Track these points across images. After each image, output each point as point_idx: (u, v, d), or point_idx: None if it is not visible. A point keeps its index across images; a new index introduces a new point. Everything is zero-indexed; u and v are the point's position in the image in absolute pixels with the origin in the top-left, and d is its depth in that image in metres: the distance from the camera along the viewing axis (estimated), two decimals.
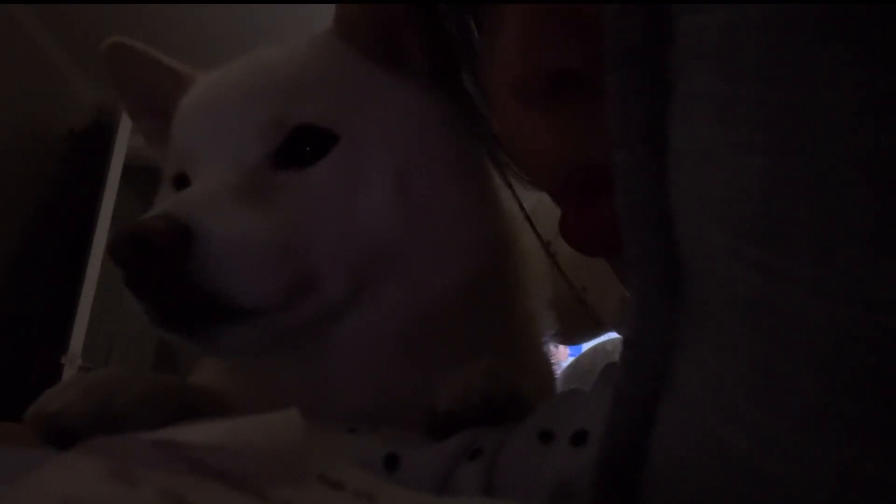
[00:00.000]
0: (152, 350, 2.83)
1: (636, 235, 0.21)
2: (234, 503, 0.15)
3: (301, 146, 0.41)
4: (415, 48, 0.44)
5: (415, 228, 0.41)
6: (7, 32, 2.50)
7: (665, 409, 0.21)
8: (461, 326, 0.43)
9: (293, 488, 0.16)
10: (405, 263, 0.41)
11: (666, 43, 0.20)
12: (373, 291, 0.41)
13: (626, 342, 0.22)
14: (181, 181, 0.44)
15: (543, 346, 0.51)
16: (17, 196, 2.59)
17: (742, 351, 0.19)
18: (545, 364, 0.51)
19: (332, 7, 0.46)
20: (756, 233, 0.18)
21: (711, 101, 0.19)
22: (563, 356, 0.90)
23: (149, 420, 0.36)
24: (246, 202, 0.38)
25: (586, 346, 0.85)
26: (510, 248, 0.47)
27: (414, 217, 0.41)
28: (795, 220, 0.17)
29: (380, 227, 0.40)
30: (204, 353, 0.42)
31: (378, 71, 0.44)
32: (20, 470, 0.15)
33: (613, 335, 0.79)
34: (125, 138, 2.59)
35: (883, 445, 0.16)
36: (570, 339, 0.79)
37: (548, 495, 0.26)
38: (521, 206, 0.46)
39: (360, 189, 0.40)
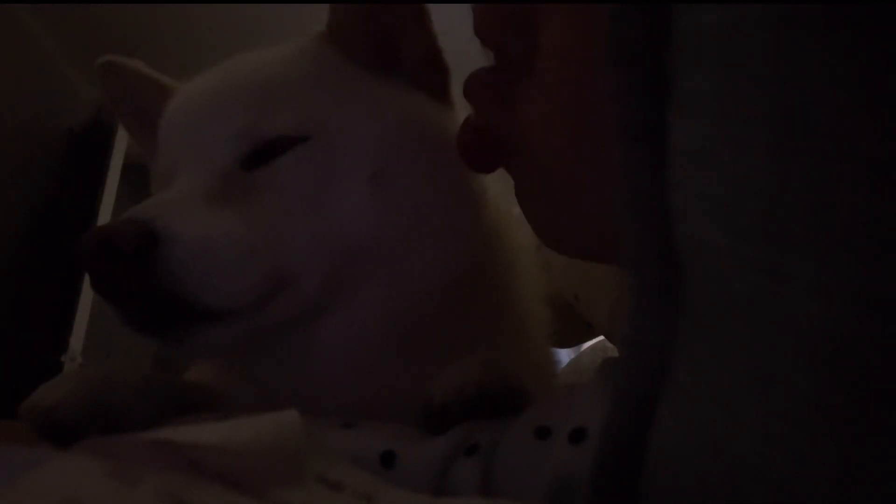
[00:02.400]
0: (152, 349, 2.83)
1: (635, 234, 0.21)
2: (232, 503, 0.15)
3: (272, 151, 0.41)
4: (406, 51, 0.44)
5: (394, 227, 0.41)
6: (7, 32, 2.50)
7: (664, 408, 0.21)
8: (449, 324, 0.43)
9: (292, 489, 0.16)
10: (385, 261, 0.41)
11: (665, 41, 0.20)
12: (353, 289, 0.41)
13: (626, 341, 0.22)
14: None
15: (542, 341, 0.51)
16: (17, 195, 2.59)
17: (741, 350, 0.19)
18: (544, 359, 0.51)
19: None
20: (755, 232, 0.18)
21: (710, 99, 0.19)
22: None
23: (142, 415, 0.36)
24: (215, 204, 0.38)
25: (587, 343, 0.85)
26: (497, 246, 0.47)
27: (393, 216, 0.41)
28: (795, 219, 0.17)
29: (355, 225, 0.40)
30: (175, 353, 0.43)
31: (362, 72, 0.44)
32: (20, 469, 0.15)
33: None
34: (125, 137, 2.59)
35: (882, 445, 0.16)
36: (563, 342, 0.79)
37: (546, 492, 0.26)
38: None
39: (332, 187, 0.41)
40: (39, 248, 2.65)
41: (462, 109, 0.47)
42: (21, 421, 0.35)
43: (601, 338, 0.81)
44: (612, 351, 0.76)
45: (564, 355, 0.95)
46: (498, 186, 0.48)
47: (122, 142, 2.61)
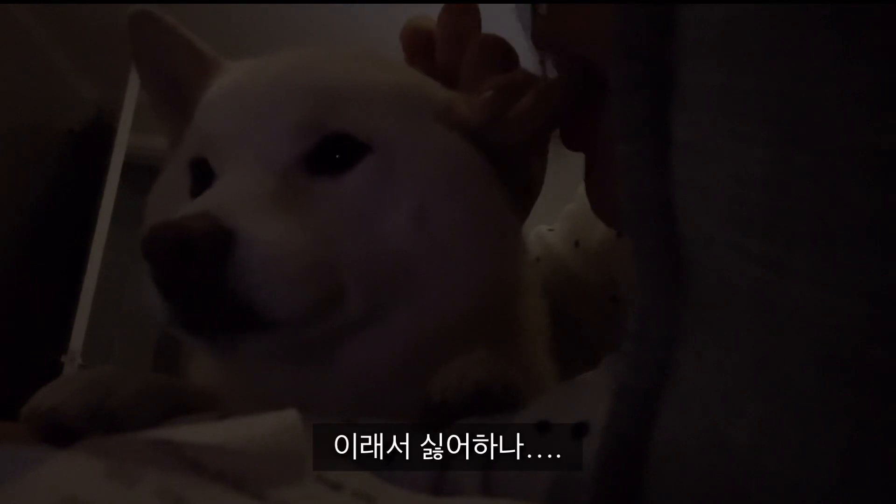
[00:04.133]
0: (151, 350, 2.83)
1: (640, 228, 0.22)
2: (232, 503, 0.15)
3: (332, 153, 0.40)
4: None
5: (429, 255, 0.41)
6: (7, 32, 2.50)
7: (667, 401, 0.21)
8: (464, 344, 0.43)
9: (291, 488, 0.16)
10: (417, 288, 0.41)
11: (668, 36, 0.20)
12: (384, 312, 0.40)
13: (629, 335, 0.22)
14: (199, 166, 0.43)
15: (541, 346, 0.51)
16: (18, 196, 2.59)
17: (743, 343, 0.19)
18: (543, 363, 0.51)
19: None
20: (758, 226, 0.18)
21: (713, 93, 0.19)
22: None
23: (143, 417, 0.36)
24: (281, 208, 0.37)
25: None
26: (517, 287, 0.47)
27: (429, 245, 0.41)
28: (796, 212, 0.17)
29: (400, 248, 0.39)
30: (219, 358, 0.42)
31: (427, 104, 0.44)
32: (19, 469, 0.15)
33: None
34: (125, 138, 2.59)
35: (882, 437, 0.16)
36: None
37: (548, 487, 0.26)
38: None
39: (387, 207, 0.40)
40: (39, 248, 2.65)
41: None
42: (22, 424, 0.35)
43: None
44: None
45: None
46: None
47: (122, 142, 2.61)
